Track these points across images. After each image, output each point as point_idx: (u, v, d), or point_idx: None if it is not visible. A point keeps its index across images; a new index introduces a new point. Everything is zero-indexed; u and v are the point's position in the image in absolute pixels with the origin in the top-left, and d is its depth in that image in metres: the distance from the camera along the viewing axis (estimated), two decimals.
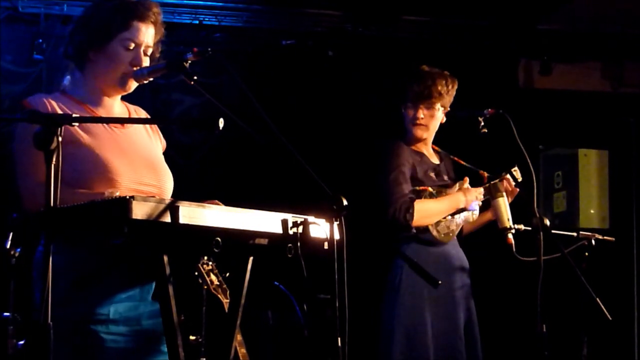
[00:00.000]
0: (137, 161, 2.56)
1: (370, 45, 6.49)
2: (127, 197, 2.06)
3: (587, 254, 4.34)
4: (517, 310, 5.79)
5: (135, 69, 2.58)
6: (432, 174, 4.04)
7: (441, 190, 4.01)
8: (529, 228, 3.76)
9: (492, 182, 4.06)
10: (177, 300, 2.28)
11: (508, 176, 4.08)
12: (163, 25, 2.68)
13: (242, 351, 3.73)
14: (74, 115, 2.20)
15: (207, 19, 6.22)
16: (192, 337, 4.06)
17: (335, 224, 2.40)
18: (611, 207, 6.45)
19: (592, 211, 6.38)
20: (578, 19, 6.47)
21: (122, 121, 2.66)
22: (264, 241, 2.46)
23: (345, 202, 2.37)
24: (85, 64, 2.61)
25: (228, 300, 3.43)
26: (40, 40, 5.96)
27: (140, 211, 2.06)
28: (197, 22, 6.18)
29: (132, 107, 2.77)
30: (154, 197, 2.24)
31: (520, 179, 4.10)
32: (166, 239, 2.25)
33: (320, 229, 2.44)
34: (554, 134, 6.57)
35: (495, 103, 4.05)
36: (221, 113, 2.22)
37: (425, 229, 3.92)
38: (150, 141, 2.71)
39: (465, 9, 6.32)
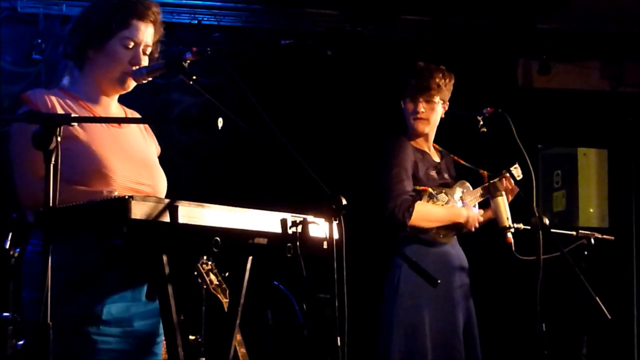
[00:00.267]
0: (132, 160, 2.56)
1: (369, 45, 6.49)
2: (126, 196, 2.06)
3: (586, 253, 4.33)
4: (517, 310, 5.80)
5: (134, 68, 2.58)
6: (433, 172, 4.04)
7: (441, 189, 4.01)
8: (529, 227, 3.76)
9: (491, 182, 4.07)
10: (177, 300, 2.27)
11: (508, 174, 4.08)
12: (162, 25, 2.68)
13: (241, 351, 3.73)
14: (72, 114, 2.19)
15: (206, 19, 6.22)
16: (191, 337, 4.07)
17: (335, 223, 2.40)
18: (610, 206, 6.45)
19: (591, 210, 6.38)
20: (577, 18, 6.47)
21: (120, 121, 2.65)
22: (264, 241, 2.45)
23: (344, 202, 2.37)
24: (84, 63, 2.61)
25: (227, 300, 3.44)
26: (39, 40, 5.96)
27: (139, 211, 2.06)
28: (196, 21, 6.18)
29: (128, 110, 2.76)
30: (151, 197, 2.23)
31: (520, 177, 4.10)
32: (165, 239, 2.24)
33: (320, 228, 2.44)
34: (553, 133, 6.58)
35: (495, 102, 4.04)
36: (220, 113, 2.22)
37: (425, 229, 3.92)
38: (145, 143, 2.71)
39: (464, 8, 6.32)
